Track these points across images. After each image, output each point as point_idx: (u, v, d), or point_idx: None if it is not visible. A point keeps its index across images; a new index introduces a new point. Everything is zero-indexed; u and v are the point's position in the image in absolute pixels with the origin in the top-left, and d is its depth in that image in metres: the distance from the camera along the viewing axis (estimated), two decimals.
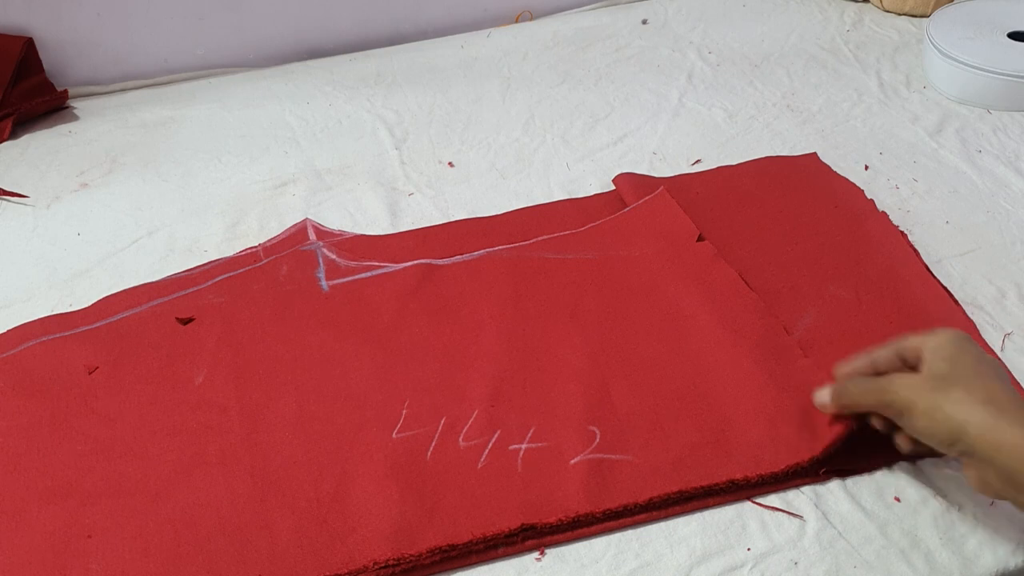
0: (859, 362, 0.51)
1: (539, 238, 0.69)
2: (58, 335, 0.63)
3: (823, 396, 0.51)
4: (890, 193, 0.74)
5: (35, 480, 0.53)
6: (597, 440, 0.53)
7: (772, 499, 0.51)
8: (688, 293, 0.63)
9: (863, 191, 0.73)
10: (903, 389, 0.46)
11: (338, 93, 0.93)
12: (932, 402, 0.44)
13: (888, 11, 1.02)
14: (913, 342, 0.48)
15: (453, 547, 0.48)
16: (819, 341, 0.59)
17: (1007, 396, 0.44)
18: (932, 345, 0.47)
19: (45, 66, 0.93)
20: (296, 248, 0.70)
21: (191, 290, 0.67)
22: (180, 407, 0.57)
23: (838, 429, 0.51)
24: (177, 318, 0.64)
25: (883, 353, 0.50)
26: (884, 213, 0.70)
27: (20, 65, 0.89)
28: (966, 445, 0.44)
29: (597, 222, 0.70)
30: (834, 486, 0.51)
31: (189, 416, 0.57)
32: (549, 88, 0.92)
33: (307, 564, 0.48)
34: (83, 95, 0.96)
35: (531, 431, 0.54)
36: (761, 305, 0.61)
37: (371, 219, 0.75)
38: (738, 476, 0.51)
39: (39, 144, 0.88)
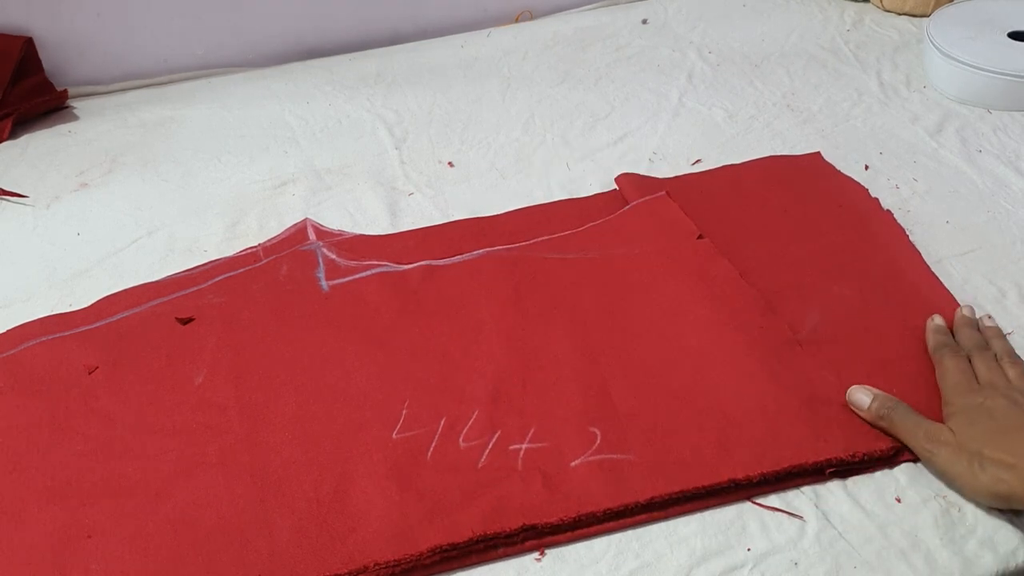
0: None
1: (539, 238, 0.69)
2: (58, 335, 0.63)
3: (861, 399, 0.54)
4: (890, 193, 0.74)
5: (35, 480, 0.53)
6: (598, 441, 0.53)
7: (772, 499, 0.51)
8: (688, 290, 0.63)
9: (867, 190, 0.73)
10: (944, 462, 0.50)
11: (338, 93, 0.93)
12: (972, 478, 0.48)
13: (888, 11, 1.02)
14: (945, 395, 0.53)
15: (453, 547, 0.48)
16: (824, 341, 0.59)
17: None
18: (955, 417, 0.51)
19: (45, 66, 0.93)
20: (296, 248, 0.70)
21: (191, 290, 0.67)
22: (180, 407, 0.57)
23: (842, 439, 0.52)
24: (177, 318, 0.64)
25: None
26: (889, 212, 0.70)
27: (20, 65, 0.89)
28: (1008, 504, 0.48)
29: (597, 222, 0.70)
30: (835, 486, 0.51)
31: (189, 416, 0.57)
32: (549, 88, 0.92)
33: (307, 564, 0.48)
34: (83, 95, 0.96)
35: (531, 431, 0.54)
36: (762, 301, 0.61)
37: (371, 219, 0.75)
38: (739, 475, 0.51)
39: (39, 144, 0.88)
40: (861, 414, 0.53)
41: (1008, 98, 0.83)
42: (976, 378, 0.54)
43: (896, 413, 0.52)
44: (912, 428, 0.51)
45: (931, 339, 0.58)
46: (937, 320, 0.59)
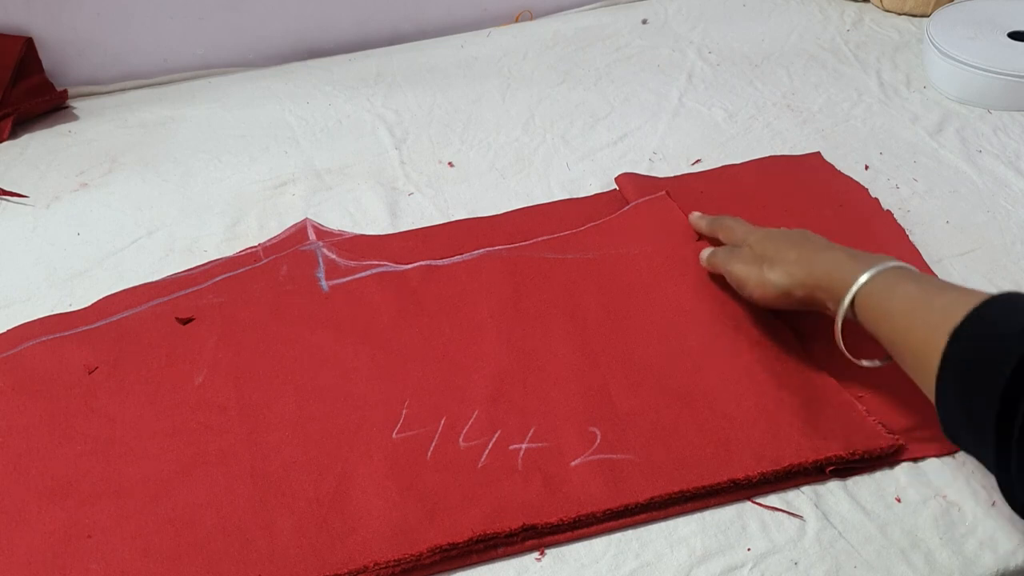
0: (737, 228, 0.62)
1: (539, 238, 0.69)
2: (58, 335, 0.63)
3: (703, 254, 0.64)
4: (890, 193, 0.74)
5: (35, 480, 0.53)
6: (598, 441, 0.53)
7: (772, 499, 0.51)
8: (688, 290, 0.63)
9: (867, 190, 0.73)
10: (740, 269, 0.58)
11: (338, 93, 0.93)
12: (762, 276, 0.56)
13: (888, 11, 1.02)
14: (743, 237, 0.61)
15: (453, 547, 0.48)
16: (824, 339, 0.59)
17: (810, 249, 0.56)
18: (754, 238, 0.59)
19: (45, 66, 0.93)
20: (296, 248, 0.70)
21: (191, 290, 0.67)
22: (180, 407, 0.57)
23: (842, 438, 0.52)
24: (177, 318, 0.64)
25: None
26: (889, 212, 0.71)
27: (20, 65, 0.89)
28: (792, 298, 0.55)
29: (597, 222, 0.70)
30: (834, 486, 0.51)
31: (189, 416, 0.57)
32: (549, 88, 0.92)
33: (307, 564, 0.48)
34: (83, 95, 0.96)
35: (531, 431, 0.54)
36: None
37: (371, 219, 0.75)
38: (739, 475, 0.51)
39: (39, 144, 0.88)
40: (703, 264, 0.63)
41: (1008, 98, 0.83)
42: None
43: (721, 252, 0.61)
44: (724, 256, 0.60)
45: (704, 225, 0.66)
46: (705, 253, 0.64)
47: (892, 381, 0.55)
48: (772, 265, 0.56)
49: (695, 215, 0.67)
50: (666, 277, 0.64)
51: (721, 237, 0.64)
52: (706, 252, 0.63)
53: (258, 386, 0.58)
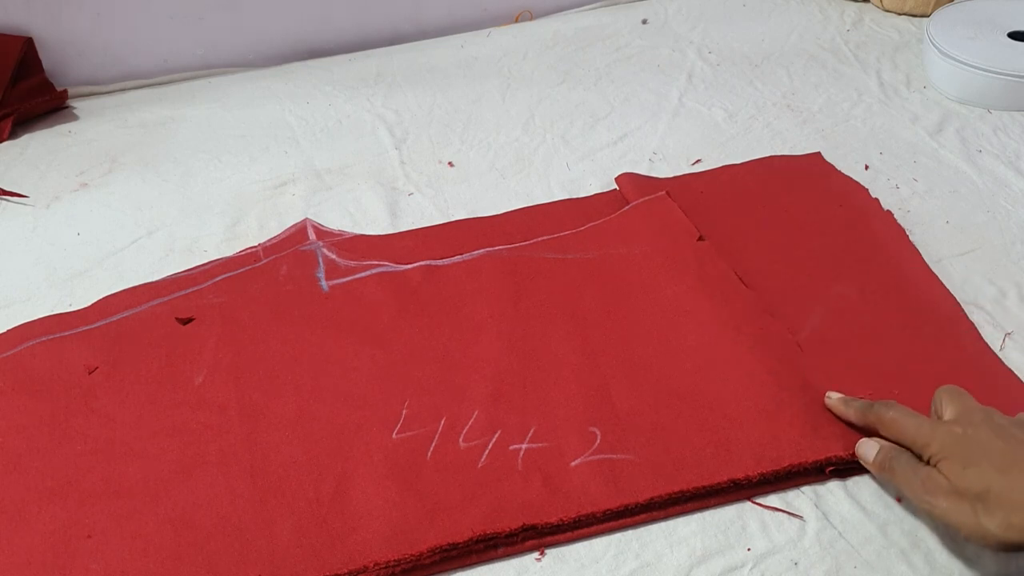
0: (905, 421, 0.49)
1: (539, 238, 0.69)
2: (58, 335, 0.63)
3: (867, 451, 0.50)
4: (890, 193, 0.74)
5: (35, 480, 0.53)
6: (598, 441, 0.53)
7: (772, 499, 0.51)
8: (688, 291, 0.63)
9: (867, 190, 0.73)
10: (944, 512, 0.45)
11: (338, 93, 0.93)
12: (978, 526, 0.43)
13: (888, 11, 1.02)
14: (920, 441, 0.47)
15: (453, 547, 0.48)
16: (825, 341, 0.59)
17: None
18: (942, 454, 0.46)
19: (45, 66, 0.93)
20: (296, 248, 0.70)
21: (191, 290, 0.67)
22: (180, 407, 0.57)
23: (842, 438, 0.52)
24: (177, 318, 0.64)
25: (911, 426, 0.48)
26: (889, 212, 0.71)
27: (20, 65, 0.89)
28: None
29: (597, 222, 0.70)
30: (834, 486, 0.51)
31: (189, 416, 0.57)
32: (549, 88, 0.92)
33: (307, 564, 0.48)
34: (83, 95, 0.96)
35: (531, 431, 0.54)
36: (761, 303, 0.61)
37: (371, 219, 0.75)
38: (739, 475, 0.51)
39: (39, 144, 0.88)
40: (867, 466, 0.50)
41: (1008, 98, 0.83)
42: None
43: (898, 463, 0.48)
44: (911, 477, 0.47)
45: (852, 413, 0.52)
46: (869, 447, 0.51)
47: (892, 382, 0.56)
48: (988, 508, 0.43)
49: (836, 397, 0.53)
50: (666, 277, 0.64)
51: (883, 434, 0.50)
52: (870, 451, 0.50)
53: (258, 386, 0.58)
